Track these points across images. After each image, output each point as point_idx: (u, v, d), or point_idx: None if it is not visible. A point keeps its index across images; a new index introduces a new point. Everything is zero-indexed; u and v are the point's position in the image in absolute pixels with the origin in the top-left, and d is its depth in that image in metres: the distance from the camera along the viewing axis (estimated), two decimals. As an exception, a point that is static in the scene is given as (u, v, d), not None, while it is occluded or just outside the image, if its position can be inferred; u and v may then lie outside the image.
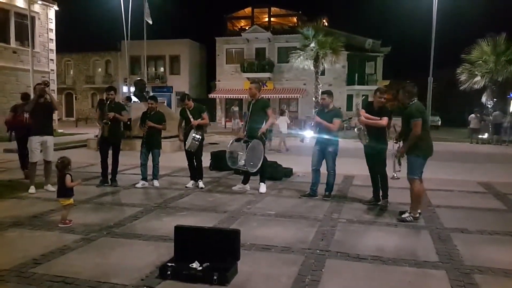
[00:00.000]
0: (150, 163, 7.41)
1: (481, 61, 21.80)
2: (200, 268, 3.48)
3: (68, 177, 4.98)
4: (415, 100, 5.19)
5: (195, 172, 7.35)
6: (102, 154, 7.39)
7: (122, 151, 12.71)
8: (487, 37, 21.87)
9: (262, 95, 7.10)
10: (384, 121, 5.70)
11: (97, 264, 3.76)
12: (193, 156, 7.21)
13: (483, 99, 22.96)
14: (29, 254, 3.95)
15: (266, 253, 4.09)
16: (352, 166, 8.74)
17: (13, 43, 20.00)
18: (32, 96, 7.18)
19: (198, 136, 6.98)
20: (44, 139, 6.77)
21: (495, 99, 22.19)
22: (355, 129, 5.95)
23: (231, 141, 6.76)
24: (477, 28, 40.99)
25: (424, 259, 3.92)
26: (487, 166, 11.11)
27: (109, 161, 7.42)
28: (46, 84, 6.74)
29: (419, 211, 5.35)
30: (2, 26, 19.70)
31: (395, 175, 5.47)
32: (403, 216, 5.22)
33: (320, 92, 25.52)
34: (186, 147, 7.07)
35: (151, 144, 7.36)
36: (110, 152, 7.44)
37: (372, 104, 6.04)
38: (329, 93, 6.53)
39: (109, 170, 7.44)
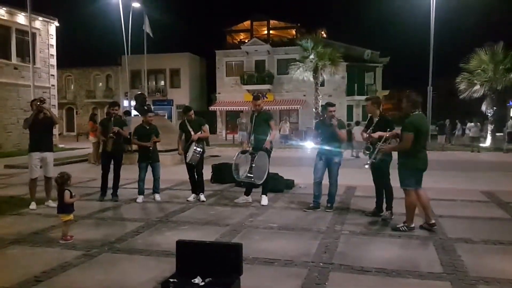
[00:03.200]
0: (148, 177, 7.38)
1: (479, 70, 21.88)
2: (203, 283, 3.44)
3: (67, 193, 4.95)
4: (417, 112, 5.10)
5: (196, 185, 7.33)
6: (104, 169, 7.39)
7: (123, 165, 12.78)
8: (485, 46, 21.99)
9: (263, 107, 7.18)
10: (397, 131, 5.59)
11: (99, 281, 3.73)
12: (194, 168, 7.20)
13: (483, 107, 23.01)
14: (31, 271, 3.92)
15: (269, 267, 4.06)
16: (354, 177, 8.72)
17: (14, 59, 20.19)
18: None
19: (199, 149, 6.99)
20: (44, 156, 6.76)
21: (494, 108, 22.24)
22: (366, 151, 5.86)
23: (237, 153, 6.76)
24: (475, 37, 41.37)
25: (428, 271, 3.88)
26: (489, 175, 11.06)
27: (110, 175, 7.42)
28: (42, 101, 6.77)
29: (433, 221, 5.25)
30: (4, 43, 19.92)
31: (366, 166, 5.60)
32: (397, 226, 5.23)
33: (320, 103, 25.65)
34: (187, 160, 7.06)
35: (153, 158, 7.35)
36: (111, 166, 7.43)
37: (371, 118, 6.05)
38: (334, 104, 6.59)
39: (110, 185, 7.43)
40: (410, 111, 5.10)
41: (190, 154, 6.96)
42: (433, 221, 5.27)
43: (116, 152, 7.35)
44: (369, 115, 6.18)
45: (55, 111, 22.28)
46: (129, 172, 9.63)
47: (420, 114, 5.15)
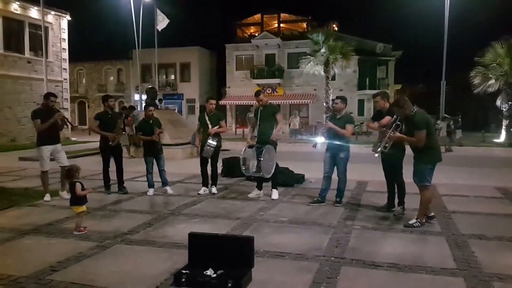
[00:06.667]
0: (156, 169, 7.43)
1: (495, 64, 21.49)
2: (215, 275, 3.48)
3: (78, 185, 5.00)
4: (416, 108, 5.05)
5: (207, 179, 7.36)
6: (107, 163, 7.43)
7: (134, 158, 12.89)
8: (501, 40, 21.58)
9: (271, 101, 7.15)
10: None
11: (112, 272, 3.78)
12: (207, 162, 7.22)
13: (498, 102, 22.63)
14: (46, 261, 4.00)
15: (280, 260, 4.07)
16: (366, 172, 8.69)
17: (27, 53, 20.44)
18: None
19: (213, 143, 7.01)
20: (53, 148, 6.88)
21: (510, 102, 21.86)
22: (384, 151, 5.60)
23: (244, 148, 6.77)
24: (491, 30, 40.51)
25: (441, 266, 3.85)
26: (504, 171, 10.91)
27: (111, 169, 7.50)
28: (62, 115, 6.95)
29: (432, 214, 5.38)
30: (17, 37, 20.18)
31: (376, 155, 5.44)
32: (410, 222, 5.18)
33: (330, 97, 25.49)
34: (202, 153, 7.09)
35: (158, 150, 7.40)
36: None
37: (380, 111, 6.01)
38: (343, 98, 6.45)
39: (113, 178, 7.52)
40: (408, 112, 5.00)
41: (205, 147, 7.00)
42: (432, 214, 5.40)
43: (117, 145, 7.42)
44: (378, 109, 6.14)
45: (67, 105, 22.59)
46: (140, 166, 9.70)
47: (421, 109, 5.09)
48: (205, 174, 7.34)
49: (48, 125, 6.63)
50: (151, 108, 7.60)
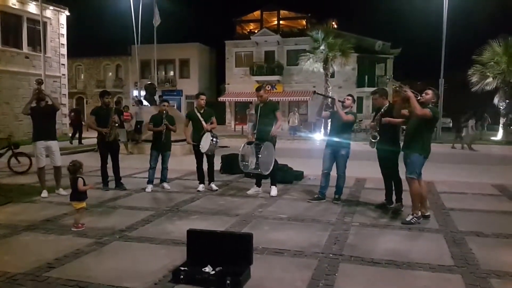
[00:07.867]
0: (158, 166, 7.43)
1: (493, 62, 21.53)
2: (213, 272, 3.47)
3: (80, 181, 5.00)
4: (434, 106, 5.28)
5: (203, 175, 7.33)
6: (105, 159, 7.38)
7: (132, 154, 12.89)
8: (499, 38, 21.60)
9: (270, 98, 7.15)
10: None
11: (110, 268, 3.77)
12: (202, 158, 7.20)
13: (495, 100, 22.68)
14: (43, 258, 3.98)
15: (279, 257, 4.06)
16: (364, 169, 8.69)
17: (25, 48, 20.33)
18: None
19: (216, 139, 7.00)
20: (48, 144, 6.79)
21: (507, 101, 21.90)
22: (372, 140, 5.88)
23: (242, 144, 6.76)
24: (489, 29, 40.51)
25: (439, 263, 3.86)
26: (501, 168, 10.94)
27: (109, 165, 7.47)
28: (40, 82, 6.80)
29: (428, 213, 5.38)
30: (15, 32, 20.05)
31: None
32: (407, 219, 5.19)
33: (329, 95, 25.46)
34: (204, 151, 7.03)
35: (165, 147, 7.39)
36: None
37: (379, 109, 6.01)
38: (353, 97, 6.60)
39: (110, 174, 7.49)
40: (432, 101, 5.21)
41: (206, 144, 6.95)
42: (428, 213, 5.39)
43: (114, 141, 7.38)
44: (377, 107, 6.15)
45: (65, 100, 22.52)
46: (138, 162, 9.71)
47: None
48: (201, 171, 7.32)
49: (29, 102, 6.75)
50: (165, 103, 7.63)
